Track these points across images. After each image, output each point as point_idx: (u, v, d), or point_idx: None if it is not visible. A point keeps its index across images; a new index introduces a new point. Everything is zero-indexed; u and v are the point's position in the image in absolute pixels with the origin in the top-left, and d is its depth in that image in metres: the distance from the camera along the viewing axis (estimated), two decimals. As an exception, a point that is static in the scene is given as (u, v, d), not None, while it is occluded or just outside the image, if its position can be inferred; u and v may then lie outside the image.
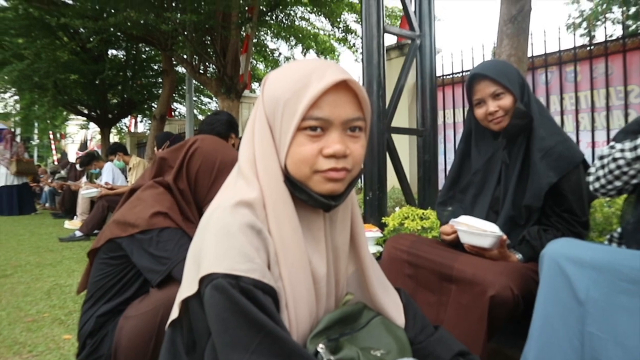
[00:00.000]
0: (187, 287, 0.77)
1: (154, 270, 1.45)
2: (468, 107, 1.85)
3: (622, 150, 1.32)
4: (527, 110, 1.64)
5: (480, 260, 1.55)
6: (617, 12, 11.19)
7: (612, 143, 1.40)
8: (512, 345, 1.69)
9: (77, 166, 8.88)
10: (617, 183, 1.36)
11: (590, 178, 1.43)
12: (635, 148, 1.28)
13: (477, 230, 1.56)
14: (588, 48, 4.50)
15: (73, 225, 6.30)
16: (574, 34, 4.71)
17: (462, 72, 5.62)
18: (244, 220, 0.76)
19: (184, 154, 1.58)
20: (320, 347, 0.80)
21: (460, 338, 1.50)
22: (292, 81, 0.80)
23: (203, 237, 0.78)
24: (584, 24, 11.87)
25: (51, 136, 19.70)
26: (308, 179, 0.81)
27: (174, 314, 0.82)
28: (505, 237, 1.55)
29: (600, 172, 1.39)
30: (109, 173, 6.22)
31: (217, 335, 0.71)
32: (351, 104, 0.81)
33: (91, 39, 7.36)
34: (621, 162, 1.32)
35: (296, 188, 0.82)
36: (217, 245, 0.74)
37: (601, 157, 1.39)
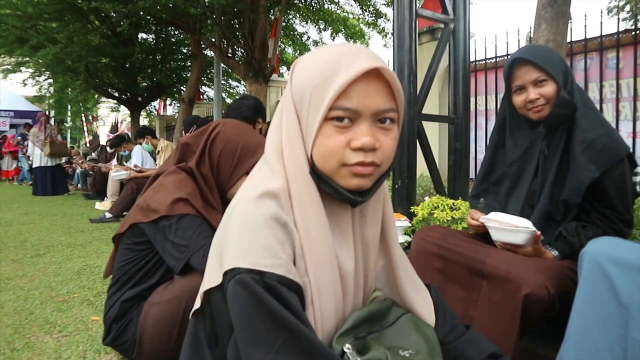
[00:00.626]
0: (210, 278, 0.75)
1: (175, 257, 1.44)
2: (503, 93, 1.76)
3: None
4: (571, 99, 1.54)
5: (513, 256, 1.48)
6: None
7: None
8: (545, 346, 1.62)
9: (107, 148, 9.07)
10: None
11: (638, 178, 1.35)
12: None
13: (508, 226, 1.49)
14: (633, 33, 4.27)
15: (104, 206, 6.44)
16: (618, 18, 4.47)
17: (496, 57, 5.43)
18: (268, 213, 0.73)
19: (205, 138, 1.56)
20: (347, 348, 0.77)
21: (490, 337, 1.44)
22: (320, 68, 0.76)
23: (227, 229, 0.76)
24: (627, 7, 11.31)
25: (83, 119, 20.17)
26: (334, 172, 0.77)
27: (197, 304, 0.81)
28: (539, 233, 1.47)
29: None
30: (138, 156, 6.32)
31: (239, 332, 0.69)
32: (383, 93, 0.76)
33: (121, 23, 7.41)
34: None
35: (322, 181, 0.78)
36: (240, 239, 0.72)
37: None
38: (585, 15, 4.30)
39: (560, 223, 1.60)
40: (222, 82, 11.01)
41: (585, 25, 4.40)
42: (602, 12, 4.39)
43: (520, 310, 1.35)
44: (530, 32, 4.25)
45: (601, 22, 4.37)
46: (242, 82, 11.73)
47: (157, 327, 1.50)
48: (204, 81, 12.69)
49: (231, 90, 14.32)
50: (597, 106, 4.43)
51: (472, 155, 5.05)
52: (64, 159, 9.67)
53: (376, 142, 0.75)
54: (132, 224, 1.54)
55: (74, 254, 3.66)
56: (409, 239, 2.54)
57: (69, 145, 15.09)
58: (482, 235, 1.66)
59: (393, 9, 2.78)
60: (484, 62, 5.61)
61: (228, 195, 1.56)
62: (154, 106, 16.01)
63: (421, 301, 0.94)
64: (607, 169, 1.49)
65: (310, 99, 0.76)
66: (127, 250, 1.59)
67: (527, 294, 1.33)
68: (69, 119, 19.31)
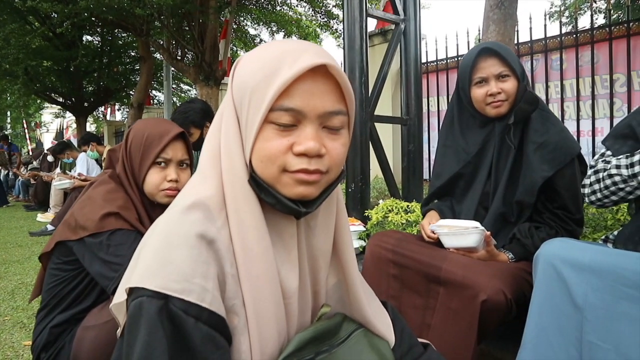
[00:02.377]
0: (119, 294, 0.67)
1: (106, 276, 1.31)
2: (454, 93, 1.72)
3: (617, 167, 1.28)
4: (537, 96, 1.53)
5: (470, 261, 1.45)
6: (598, 2, 11.20)
7: (603, 151, 1.38)
8: (502, 349, 1.61)
9: (49, 157, 8.58)
10: (614, 197, 1.33)
11: (586, 190, 1.39)
12: (632, 165, 1.24)
13: (458, 230, 1.46)
14: (574, 36, 4.43)
15: (46, 218, 6.08)
16: (560, 21, 4.63)
17: (447, 59, 5.51)
18: (192, 230, 0.64)
19: (124, 139, 1.45)
20: (292, 373, 0.69)
21: (448, 344, 1.41)
22: (262, 65, 0.68)
23: (146, 242, 0.68)
24: (566, 13, 11.87)
25: (25, 125, 19.13)
26: (275, 180, 0.69)
27: (121, 322, 0.71)
28: (488, 233, 1.45)
29: (597, 186, 1.35)
30: (83, 164, 6.01)
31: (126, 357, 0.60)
32: (331, 94, 0.68)
33: (63, 24, 7.03)
34: (617, 178, 1.28)
35: (262, 189, 0.69)
36: (155, 256, 0.63)
37: (596, 171, 1.36)
38: (531, 17, 4.41)
39: (514, 225, 1.58)
40: (173, 86, 10.74)
41: (531, 28, 4.53)
42: (545, 14, 4.53)
43: (478, 316, 1.32)
44: (479, 34, 4.32)
45: (545, 25, 4.50)
46: (194, 86, 11.46)
47: (94, 354, 1.36)
48: (154, 85, 12.32)
49: (182, 95, 13.96)
50: (543, 106, 4.56)
51: (425, 155, 5.10)
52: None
53: (322, 148, 0.67)
54: (59, 242, 1.40)
55: (8, 272, 3.39)
56: (363, 243, 2.49)
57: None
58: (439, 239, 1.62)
59: (343, 9, 2.73)
60: (435, 63, 5.68)
61: (146, 192, 1.44)
62: (101, 111, 15.38)
63: (380, 320, 0.86)
64: (558, 169, 1.48)
65: (250, 99, 0.68)
66: (56, 271, 1.44)
67: (484, 300, 1.30)
68: (8, 126, 18.25)
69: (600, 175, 1.33)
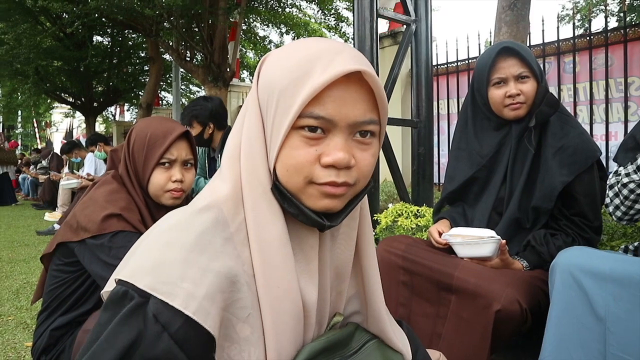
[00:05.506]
0: (111, 281, 0.65)
1: (107, 279, 1.27)
2: (468, 94, 1.67)
3: (627, 175, 1.28)
4: (557, 99, 1.47)
5: (483, 268, 1.40)
6: (611, 4, 11.08)
7: (616, 169, 1.38)
8: (516, 360, 1.55)
9: (43, 162, 8.57)
10: (638, 206, 1.30)
11: (610, 209, 1.37)
12: (639, 169, 1.24)
13: (473, 239, 1.40)
14: (588, 38, 4.35)
15: (53, 217, 6.08)
16: (574, 23, 4.56)
17: (457, 61, 5.45)
18: (196, 233, 0.61)
19: (126, 139, 1.41)
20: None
21: (460, 355, 1.36)
22: (292, 66, 0.63)
23: (149, 235, 0.65)
24: (578, 16, 11.76)
25: (35, 125, 19.28)
26: (300, 191, 0.64)
27: None
28: (504, 241, 1.39)
29: (617, 201, 1.33)
30: (91, 164, 6.02)
31: (90, 337, 0.57)
32: (364, 102, 0.63)
33: (74, 24, 7.07)
34: (632, 185, 1.27)
35: (285, 199, 0.65)
36: (150, 253, 0.60)
37: (611, 187, 1.35)
38: (543, 20, 4.35)
39: (529, 231, 1.53)
40: (182, 87, 10.77)
41: (543, 30, 4.46)
42: (558, 16, 4.46)
43: (491, 327, 1.27)
44: (490, 36, 4.26)
45: (558, 27, 4.43)
46: (203, 87, 11.50)
47: (94, 358, 1.32)
48: (163, 86, 12.36)
49: (191, 96, 14.03)
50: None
51: (434, 160, 5.03)
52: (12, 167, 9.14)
53: (351, 159, 0.63)
54: (61, 243, 1.36)
55: (14, 271, 3.38)
56: (372, 248, 2.44)
57: (20, 152, 14.33)
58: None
59: (353, 10, 2.68)
60: (445, 66, 5.62)
61: (150, 193, 1.40)
62: (111, 112, 15.46)
63: (396, 334, 0.82)
64: (578, 174, 1.43)
65: (277, 102, 0.63)
66: (58, 272, 1.41)
67: (498, 310, 1.25)
68: (19, 125, 18.42)
69: (616, 188, 1.32)
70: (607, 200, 1.36)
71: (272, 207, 0.65)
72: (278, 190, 0.65)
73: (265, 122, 0.66)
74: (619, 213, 1.33)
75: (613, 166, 1.41)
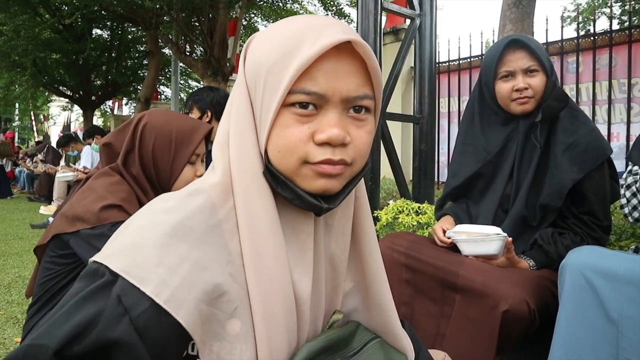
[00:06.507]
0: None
1: None
2: (475, 88, 1.62)
3: None
4: (567, 94, 1.43)
5: (489, 267, 1.36)
6: (613, 7, 11.05)
7: (630, 167, 1.34)
8: (521, 362, 1.50)
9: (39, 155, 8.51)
10: None
11: (626, 210, 1.34)
12: None
13: (478, 237, 1.36)
14: (592, 38, 4.31)
15: (48, 210, 6.03)
16: (578, 22, 4.52)
17: (459, 59, 5.42)
18: (178, 218, 0.58)
19: (131, 134, 1.34)
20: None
21: (465, 356, 1.31)
22: (279, 42, 0.59)
23: (133, 217, 0.61)
24: (580, 18, 11.73)
25: (33, 118, 19.18)
26: (294, 172, 0.60)
27: None
28: (510, 239, 1.35)
29: (634, 201, 1.30)
30: (88, 157, 5.97)
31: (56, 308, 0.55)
32: (357, 75, 0.60)
33: (74, 16, 7.02)
34: None
35: (279, 182, 0.61)
36: (129, 235, 0.57)
37: (628, 186, 1.32)
38: (547, 19, 4.30)
39: (535, 229, 1.49)
40: (181, 81, 10.71)
41: (547, 30, 4.41)
42: (562, 16, 4.42)
43: (498, 327, 1.23)
44: (493, 34, 4.22)
45: (562, 26, 4.39)
46: (202, 82, 11.45)
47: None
48: (162, 80, 12.31)
49: (190, 90, 13.94)
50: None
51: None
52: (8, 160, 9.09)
53: (347, 136, 0.59)
54: (55, 235, 1.31)
55: (6, 264, 3.33)
56: (373, 245, 2.40)
57: (17, 145, 14.24)
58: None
59: (356, 2, 2.64)
60: (446, 64, 5.58)
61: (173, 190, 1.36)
62: (109, 105, 15.40)
63: (400, 331, 0.78)
64: (588, 172, 1.38)
65: (265, 81, 0.59)
66: (51, 264, 1.36)
67: (506, 310, 1.21)
68: (16, 118, 18.32)
69: (634, 188, 1.28)
70: (624, 200, 1.32)
71: (263, 192, 0.61)
72: (271, 173, 0.61)
73: (254, 104, 0.63)
74: (636, 214, 1.30)
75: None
